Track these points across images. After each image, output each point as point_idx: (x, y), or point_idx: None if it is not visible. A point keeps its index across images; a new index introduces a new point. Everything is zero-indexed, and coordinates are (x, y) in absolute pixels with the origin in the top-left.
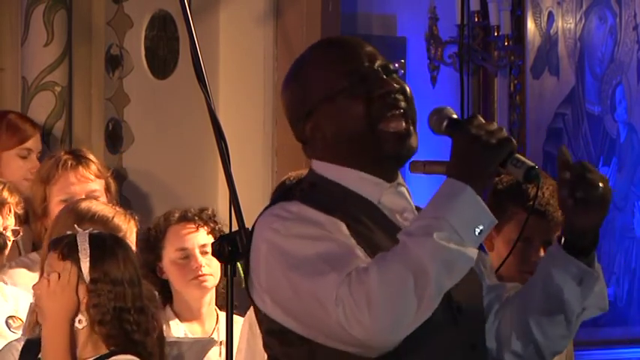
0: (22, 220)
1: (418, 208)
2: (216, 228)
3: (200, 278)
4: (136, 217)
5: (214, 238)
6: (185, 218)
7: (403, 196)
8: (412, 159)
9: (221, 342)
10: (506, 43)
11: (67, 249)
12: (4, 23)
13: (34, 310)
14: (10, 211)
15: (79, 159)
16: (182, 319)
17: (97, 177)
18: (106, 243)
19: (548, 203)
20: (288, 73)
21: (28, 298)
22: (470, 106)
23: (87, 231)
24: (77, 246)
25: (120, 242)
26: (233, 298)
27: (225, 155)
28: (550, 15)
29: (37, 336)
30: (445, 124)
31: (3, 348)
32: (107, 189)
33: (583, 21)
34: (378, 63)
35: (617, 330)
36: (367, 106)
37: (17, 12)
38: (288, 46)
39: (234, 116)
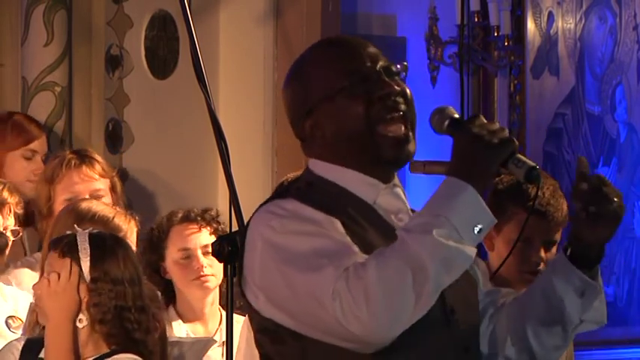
0: (23, 220)
1: (413, 211)
2: (219, 228)
3: (202, 279)
4: (137, 218)
5: None
6: (188, 218)
7: (399, 198)
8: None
9: (223, 342)
10: (506, 43)
11: (67, 248)
12: (4, 23)
13: (34, 310)
14: (10, 211)
15: (83, 158)
16: (185, 320)
17: (102, 176)
18: (106, 242)
19: (549, 203)
20: (290, 72)
21: (27, 298)
22: (470, 106)
23: (87, 230)
24: (77, 245)
25: (120, 242)
26: (233, 298)
27: (225, 155)
28: (550, 15)
29: (37, 335)
30: (447, 123)
31: (3, 348)
32: (112, 188)
33: (583, 21)
34: (380, 64)
35: (617, 330)
36: (367, 107)
37: (17, 12)
38: (288, 46)
39: (234, 116)
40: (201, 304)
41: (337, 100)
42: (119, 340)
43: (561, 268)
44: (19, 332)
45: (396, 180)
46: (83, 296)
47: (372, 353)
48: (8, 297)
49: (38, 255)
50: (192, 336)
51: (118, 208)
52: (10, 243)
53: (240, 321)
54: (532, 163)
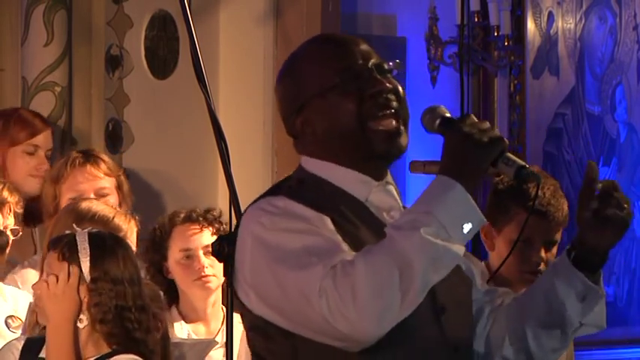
0: (30, 218)
1: (406, 208)
2: (222, 229)
3: (203, 279)
4: (137, 218)
5: None
6: (190, 219)
7: (391, 195)
8: (412, 159)
9: (225, 343)
10: (506, 43)
11: (66, 248)
12: (4, 23)
13: (34, 310)
14: (10, 210)
15: (88, 157)
16: (187, 320)
17: (107, 175)
18: (106, 242)
19: (549, 203)
20: (282, 68)
21: (27, 298)
22: (470, 106)
23: (86, 230)
24: (77, 245)
25: (120, 241)
26: (234, 298)
27: (225, 155)
28: (550, 15)
29: (37, 335)
30: (438, 122)
31: (3, 347)
32: (118, 187)
33: (583, 21)
34: (372, 61)
35: (617, 330)
36: (358, 104)
37: (17, 12)
38: (288, 46)
39: (234, 116)
40: (203, 304)
41: (329, 97)
42: (120, 339)
43: (564, 270)
44: (19, 332)
45: (389, 177)
46: (83, 296)
47: (360, 351)
48: (8, 297)
49: None
50: (194, 336)
51: (117, 208)
52: (10, 242)
53: (241, 321)
54: (522, 162)
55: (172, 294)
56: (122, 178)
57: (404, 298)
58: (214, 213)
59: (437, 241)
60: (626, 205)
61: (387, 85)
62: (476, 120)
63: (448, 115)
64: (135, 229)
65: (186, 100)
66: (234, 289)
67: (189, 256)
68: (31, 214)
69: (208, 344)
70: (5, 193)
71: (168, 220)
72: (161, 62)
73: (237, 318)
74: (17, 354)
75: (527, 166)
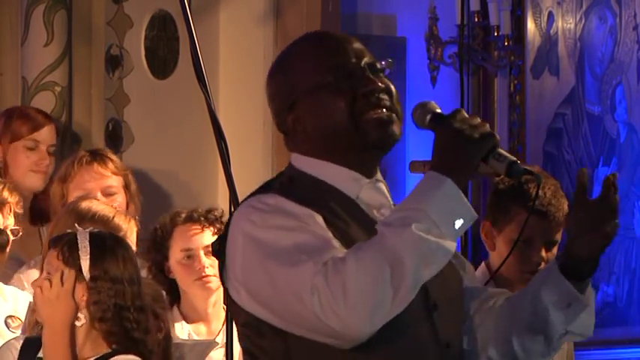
0: (36, 216)
1: (396, 205)
2: (223, 229)
3: (204, 279)
4: (137, 217)
5: None
6: (191, 219)
7: (381, 192)
8: (412, 159)
9: (225, 343)
10: (506, 43)
11: (66, 247)
12: (4, 23)
13: (34, 310)
14: (10, 210)
15: (95, 156)
16: (188, 320)
17: (114, 174)
18: (106, 242)
19: (550, 203)
20: (274, 64)
21: (27, 298)
22: (470, 106)
23: (87, 230)
24: (77, 244)
25: (120, 241)
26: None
27: (225, 155)
28: (550, 15)
29: (36, 334)
30: (428, 118)
31: (2, 347)
32: (126, 186)
33: (583, 21)
34: (364, 60)
35: (617, 330)
36: (350, 103)
37: (17, 12)
38: None
39: (234, 116)
40: (204, 304)
41: (321, 94)
42: (119, 338)
43: (551, 277)
44: (19, 332)
45: (379, 175)
46: (82, 295)
47: (352, 348)
48: (8, 297)
49: None
50: (195, 336)
51: (117, 208)
52: (10, 241)
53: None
54: (513, 158)
55: (174, 294)
56: (130, 177)
57: (395, 294)
58: (216, 213)
59: (428, 237)
60: (613, 221)
61: (380, 84)
62: (466, 115)
63: (439, 110)
64: (135, 229)
65: (186, 100)
66: (224, 286)
67: (190, 256)
68: (38, 212)
69: (208, 345)
70: (5, 193)
71: (169, 220)
72: (161, 62)
73: None
74: (16, 353)
75: (519, 161)
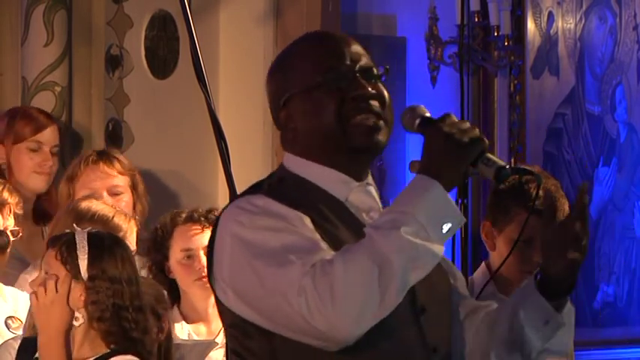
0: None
1: (385, 208)
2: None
3: (204, 279)
4: (137, 217)
5: None
6: (191, 219)
7: (371, 196)
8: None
9: (225, 343)
10: (506, 43)
11: (65, 247)
12: (4, 23)
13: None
14: (10, 211)
15: (102, 155)
16: (188, 320)
17: (121, 173)
18: (105, 242)
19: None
20: (274, 62)
21: (27, 299)
22: (470, 106)
23: (86, 230)
24: (75, 244)
25: (118, 241)
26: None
27: (225, 155)
28: (550, 15)
29: (33, 334)
30: (418, 122)
31: (0, 347)
32: (133, 186)
33: (583, 21)
34: (360, 64)
35: (617, 330)
36: (339, 105)
37: (17, 12)
38: None
39: (234, 116)
40: (204, 304)
41: (312, 94)
42: (117, 338)
43: (528, 293)
44: (19, 332)
45: (370, 179)
46: (80, 295)
47: (339, 351)
48: (8, 297)
49: None
50: (195, 337)
51: (117, 208)
52: (10, 242)
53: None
54: (502, 163)
55: (174, 294)
56: (137, 177)
57: (383, 297)
58: (216, 213)
59: (416, 241)
60: (583, 243)
61: (370, 90)
62: (456, 120)
63: (428, 114)
64: (135, 229)
65: (186, 100)
66: (212, 287)
67: (190, 256)
68: (42, 213)
69: (208, 345)
70: (5, 194)
71: (169, 220)
72: (161, 62)
73: None
74: (14, 353)
75: (508, 166)
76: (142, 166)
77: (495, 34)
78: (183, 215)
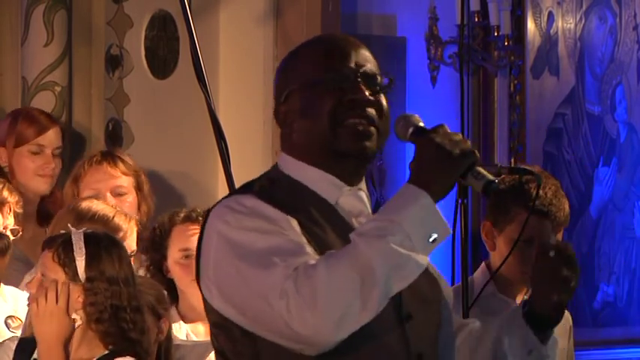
0: (42, 218)
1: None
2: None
3: None
4: (137, 217)
5: None
6: (189, 219)
7: (361, 201)
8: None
9: None
10: (506, 43)
11: (61, 248)
12: (4, 23)
13: None
14: (10, 210)
15: (106, 156)
16: (186, 320)
17: (125, 174)
18: (102, 242)
19: (551, 203)
20: (284, 58)
21: (27, 298)
22: (470, 106)
23: (81, 230)
24: (72, 245)
25: (115, 241)
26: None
27: (225, 155)
28: (550, 15)
29: (31, 335)
30: (411, 131)
31: None
32: (138, 187)
33: (583, 21)
34: (363, 69)
35: (617, 330)
36: (334, 106)
37: (17, 12)
38: (288, 46)
39: (234, 116)
40: (202, 304)
41: (311, 92)
42: (116, 339)
43: (514, 321)
44: (19, 332)
45: (363, 185)
46: (78, 296)
47: (319, 355)
48: (8, 297)
49: None
50: (193, 336)
51: (118, 208)
52: (11, 245)
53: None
54: (491, 177)
55: (172, 293)
56: (143, 178)
57: (364, 304)
58: None
59: (400, 250)
60: (572, 285)
61: (368, 96)
62: (449, 131)
63: (421, 124)
64: (135, 229)
65: (186, 100)
66: (199, 285)
67: (188, 255)
68: (46, 214)
69: (208, 346)
70: (5, 193)
71: (167, 220)
72: (161, 62)
73: None
74: (11, 354)
75: (497, 181)
76: (142, 166)
77: (495, 34)
78: (182, 215)
